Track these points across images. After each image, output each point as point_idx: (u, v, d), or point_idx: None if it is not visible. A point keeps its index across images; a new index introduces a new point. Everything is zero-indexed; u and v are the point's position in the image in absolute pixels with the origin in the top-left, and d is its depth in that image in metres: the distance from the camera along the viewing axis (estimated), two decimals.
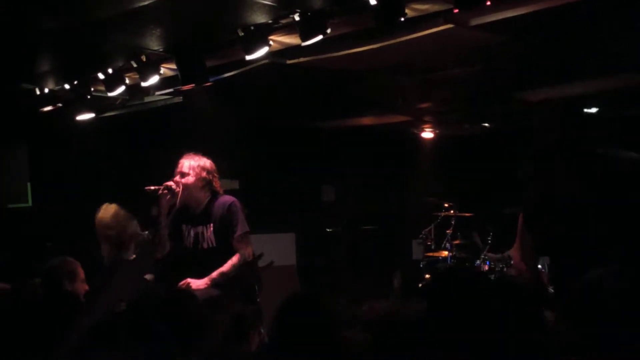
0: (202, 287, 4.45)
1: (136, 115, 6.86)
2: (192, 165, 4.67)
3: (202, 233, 4.65)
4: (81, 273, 4.25)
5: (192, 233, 4.69)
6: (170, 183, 4.62)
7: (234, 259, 4.55)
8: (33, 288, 4.06)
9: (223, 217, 4.61)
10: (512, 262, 3.31)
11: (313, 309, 2.50)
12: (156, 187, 4.59)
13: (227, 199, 4.70)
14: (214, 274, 4.51)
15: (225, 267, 4.53)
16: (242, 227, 4.60)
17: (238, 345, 2.79)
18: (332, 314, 2.48)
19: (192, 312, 3.06)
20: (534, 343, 2.33)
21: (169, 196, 4.61)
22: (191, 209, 4.70)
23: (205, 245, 4.64)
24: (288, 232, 8.46)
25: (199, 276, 4.53)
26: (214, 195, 4.72)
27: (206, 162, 4.72)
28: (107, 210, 5.02)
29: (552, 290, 3.07)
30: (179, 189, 4.61)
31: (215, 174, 4.73)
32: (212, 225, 4.63)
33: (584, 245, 2.81)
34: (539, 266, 4.95)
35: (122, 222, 4.99)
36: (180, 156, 4.79)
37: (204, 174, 4.66)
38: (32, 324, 2.77)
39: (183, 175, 4.65)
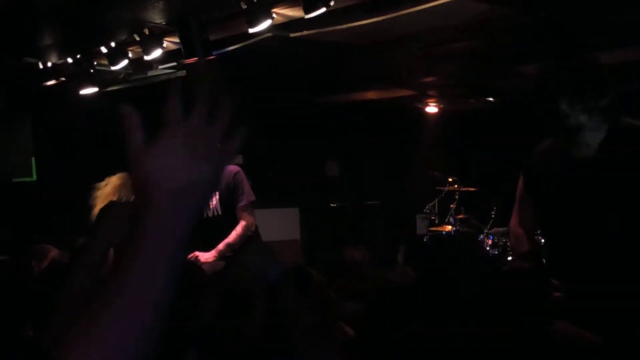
0: (210, 260, 4.47)
1: (139, 89, 6.85)
2: None
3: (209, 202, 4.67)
4: None
5: None
6: None
7: (238, 229, 4.57)
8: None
9: (228, 185, 4.62)
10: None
11: (305, 281, 2.51)
12: None
13: (232, 168, 4.71)
14: (220, 245, 4.53)
15: (231, 237, 4.55)
16: (247, 196, 4.63)
17: (239, 317, 2.80)
18: (324, 286, 2.48)
19: (200, 285, 3.08)
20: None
21: None
22: None
23: (210, 214, 4.66)
24: (292, 207, 8.49)
25: (204, 245, 4.56)
26: None
27: None
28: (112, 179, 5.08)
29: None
30: None
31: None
32: (217, 193, 4.64)
33: (587, 221, 2.71)
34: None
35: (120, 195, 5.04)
36: None
37: None
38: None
39: None
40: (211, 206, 4.65)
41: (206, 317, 2.72)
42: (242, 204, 4.60)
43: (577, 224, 2.73)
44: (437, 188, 7.78)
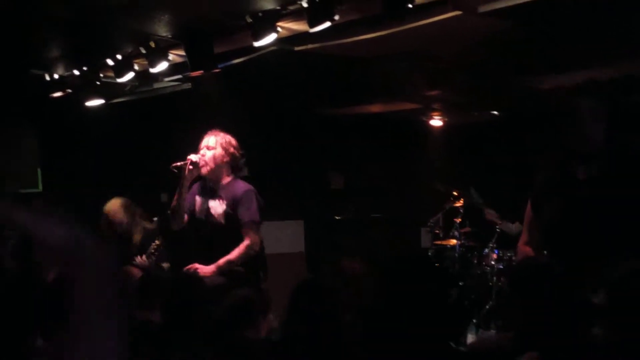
0: (208, 273, 4.46)
1: (145, 102, 6.89)
2: (218, 140, 4.69)
3: (214, 208, 4.67)
4: None
5: (205, 206, 4.72)
6: (195, 157, 4.63)
7: (241, 247, 4.54)
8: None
9: (236, 200, 4.62)
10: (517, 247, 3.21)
11: (320, 293, 2.52)
12: (182, 163, 4.62)
13: (247, 185, 4.72)
14: (221, 261, 4.51)
15: (233, 254, 4.53)
16: (252, 214, 4.60)
17: (245, 330, 2.81)
18: (337, 298, 2.49)
19: (200, 297, 3.09)
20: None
21: (194, 171, 4.64)
22: (210, 183, 4.73)
23: (214, 221, 4.67)
24: (296, 219, 8.48)
25: (205, 251, 4.56)
26: (236, 176, 4.75)
27: (231, 138, 4.75)
28: (114, 204, 5.11)
29: None
30: (202, 163, 4.63)
31: (239, 151, 4.76)
32: (225, 203, 4.64)
33: (593, 240, 2.74)
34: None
35: (130, 217, 5.08)
36: (189, 141, 4.82)
37: (231, 149, 4.70)
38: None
39: (209, 148, 4.67)
40: (216, 214, 4.66)
41: (211, 326, 2.74)
42: (245, 220, 4.59)
43: (582, 243, 2.77)
44: (441, 201, 7.76)
